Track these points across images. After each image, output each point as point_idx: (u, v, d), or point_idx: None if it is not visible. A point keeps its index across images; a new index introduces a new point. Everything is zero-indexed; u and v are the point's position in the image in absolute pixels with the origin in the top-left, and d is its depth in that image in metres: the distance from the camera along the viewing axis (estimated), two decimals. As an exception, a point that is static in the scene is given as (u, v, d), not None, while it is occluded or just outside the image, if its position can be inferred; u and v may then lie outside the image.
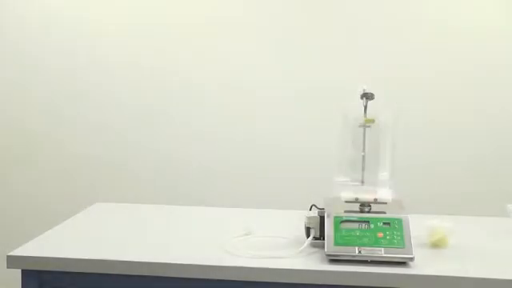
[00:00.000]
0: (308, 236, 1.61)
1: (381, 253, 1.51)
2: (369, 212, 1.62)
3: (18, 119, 3.04)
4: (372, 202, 1.63)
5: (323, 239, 1.56)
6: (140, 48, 3.01)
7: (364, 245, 1.52)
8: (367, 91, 1.69)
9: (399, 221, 1.56)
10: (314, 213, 1.63)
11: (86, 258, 1.55)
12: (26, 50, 3.00)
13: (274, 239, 1.70)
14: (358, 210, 1.63)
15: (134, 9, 2.97)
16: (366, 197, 1.64)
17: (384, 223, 1.57)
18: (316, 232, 1.61)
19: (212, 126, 3.02)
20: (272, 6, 2.95)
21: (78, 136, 3.01)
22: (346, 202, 1.64)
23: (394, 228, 1.55)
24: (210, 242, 1.67)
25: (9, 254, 1.58)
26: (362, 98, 1.69)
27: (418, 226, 1.60)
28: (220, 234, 1.75)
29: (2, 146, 3.05)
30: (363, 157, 1.69)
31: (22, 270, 1.58)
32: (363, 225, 1.56)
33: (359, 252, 1.51)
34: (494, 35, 2.83)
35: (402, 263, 1.50)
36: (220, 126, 3.02)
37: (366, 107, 1.69)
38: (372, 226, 1.56)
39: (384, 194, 1.65)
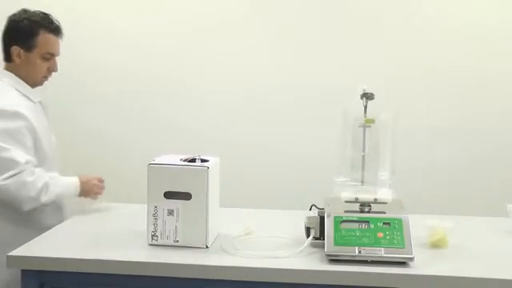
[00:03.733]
0: (308, 236, 1.61)
1: (381, 253, 1.50)
2: (369, 212, 1.62)
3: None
4: (372, 202, 1.63)
5: (323, 239, 1.56)
6: (141, 53, 3.03)
7: (364, 245, 1.52)
8: (367, 91, 1.69)
9: (399, 221, 1.56)
10: (314, 213, 1.63)
11: (86, 258, 1.55)
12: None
13: (273, 239, 1.71)
14: (358, 209, 1.62)
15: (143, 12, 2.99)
16: (366, 197, 1.64)
17: (384, 223, 1.56)
18: (316, 232, 1.61)
19: (212, 126, 3.03)
20: (273, 7, 2.95)
21: (79, 137, 3.03)
22: (346, 202, 1.64)
23: (393, 228, 1.54)
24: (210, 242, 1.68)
25: (9, 254, 1.58)
26: (362, 98, 1.69)
27: (418, 226, 1.60)
28: (220, 234, 1.75)
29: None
30: (363, 157, 1.68)
31: (22, 270, 1.58)
32: (363, 225, 1.56)
33: (359, 252, 1.51)
34: (494, 36, 2.83)
35: (401, 263, 1.50)
36: (220, 127, 3.02)
37: (366, 107, 1.69)
38: (372, 225, 1.55)
39: (384, 193, 1.65)
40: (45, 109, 2.29)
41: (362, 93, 1.70)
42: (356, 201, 1.67)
